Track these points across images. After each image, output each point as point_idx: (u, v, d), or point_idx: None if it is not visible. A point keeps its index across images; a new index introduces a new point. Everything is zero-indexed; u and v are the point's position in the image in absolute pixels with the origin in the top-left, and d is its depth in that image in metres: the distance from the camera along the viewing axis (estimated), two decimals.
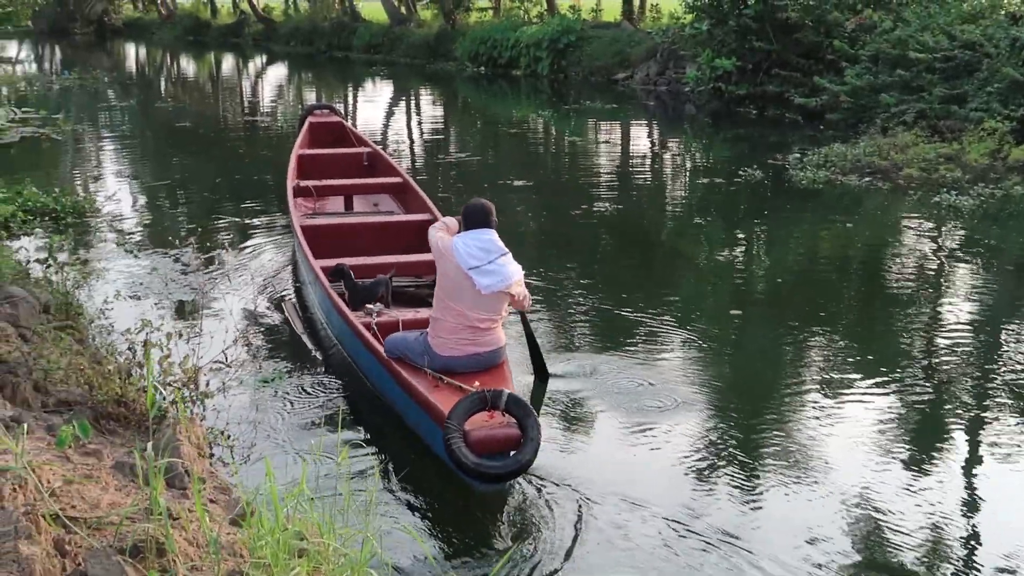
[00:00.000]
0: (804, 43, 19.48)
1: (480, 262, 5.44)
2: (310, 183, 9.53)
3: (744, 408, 6.18)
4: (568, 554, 4.46)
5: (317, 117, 11.77)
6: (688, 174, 15.22)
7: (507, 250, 5.63)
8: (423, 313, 6.16)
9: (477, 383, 5.22)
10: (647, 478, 5.22)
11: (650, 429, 5.81)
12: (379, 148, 11.31)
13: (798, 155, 14.38)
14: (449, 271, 5.52)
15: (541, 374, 6.40)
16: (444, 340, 5.52)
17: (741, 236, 10.95)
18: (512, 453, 4.82)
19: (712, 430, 5.82)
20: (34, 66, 37.42)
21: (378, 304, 6.55)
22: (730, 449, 5.58)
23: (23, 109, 19.70)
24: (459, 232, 5.74)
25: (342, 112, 12.60)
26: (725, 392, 6.44)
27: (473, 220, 5.64)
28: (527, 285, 5.88)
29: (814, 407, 6.21)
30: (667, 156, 17.26)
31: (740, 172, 13.59)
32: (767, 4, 19.55)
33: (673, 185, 14.45)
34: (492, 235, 5.60)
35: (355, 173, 10.36)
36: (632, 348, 7.14)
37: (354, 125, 13.93)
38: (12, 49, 43.12)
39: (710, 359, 7.04)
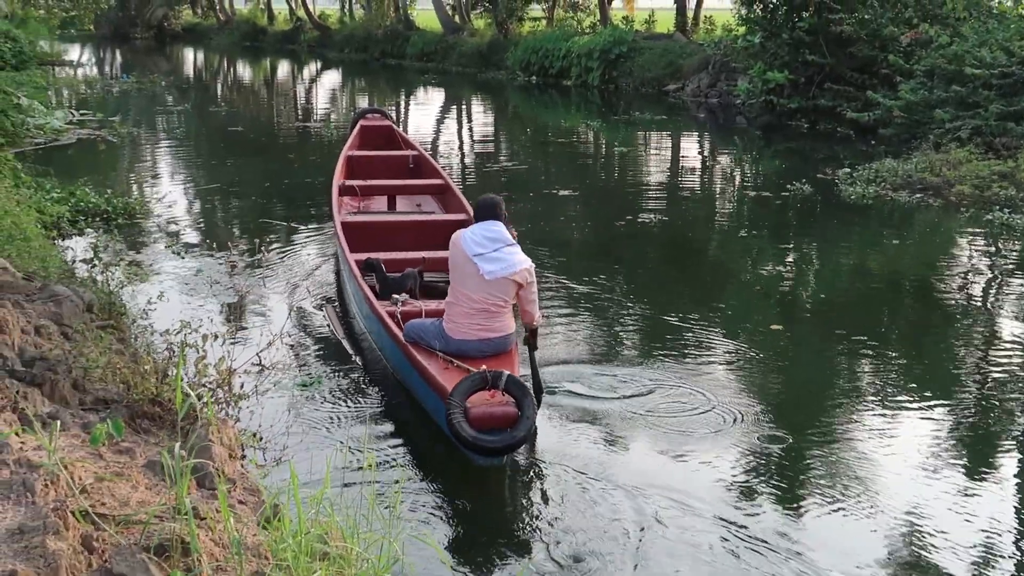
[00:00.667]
0: (858, 57, 19.28)
1: (485, 250, 5.81)
2: (356, 183, 9.92)
3: (788, 422, 6.08)
4: (614, 556, 4.45)
5: (368, 120, 12.18)
6: (737, 186, 15.11)
7: (514, 242, 5.96)
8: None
9: (484, 367, 5.49)
10: (694, 487, 5.16)
11: (695, 438, 5.77)
12: (425, 151, 11.57)
13: (848, 170, 14.22)
14: (457, 258, 5.91)
15: (538, 393, 6.13)
16: (456, 325, 5.87)
17: (788, 250, 10.83)
18: (508, 430, 5.15)
19: (756, 443, 5.74)
20: (94, 69, 38.11)
21: (404, 295, 6.86)
22: (775, 463, 5.50)
23: (81, 111, 20.06)
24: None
25: (392, 117, 13.05)
26: (769, 405, 6.34)
27: (482, 213, 6.05)
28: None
29: (861, 424, 6.11)
30: (716, 168, 17.14)
31: (789, 186, 13.47)
32: (821, 17, 19.38)
33: (721, 197, 14.35)
34: (499, 226, 5.94)
35: (400, 175, 10.70)
36: (675, 359, 7.08)
37: (405, 131, 14.04)
38: (75, 52, 43.94)
39: (754, 372, 6.97)
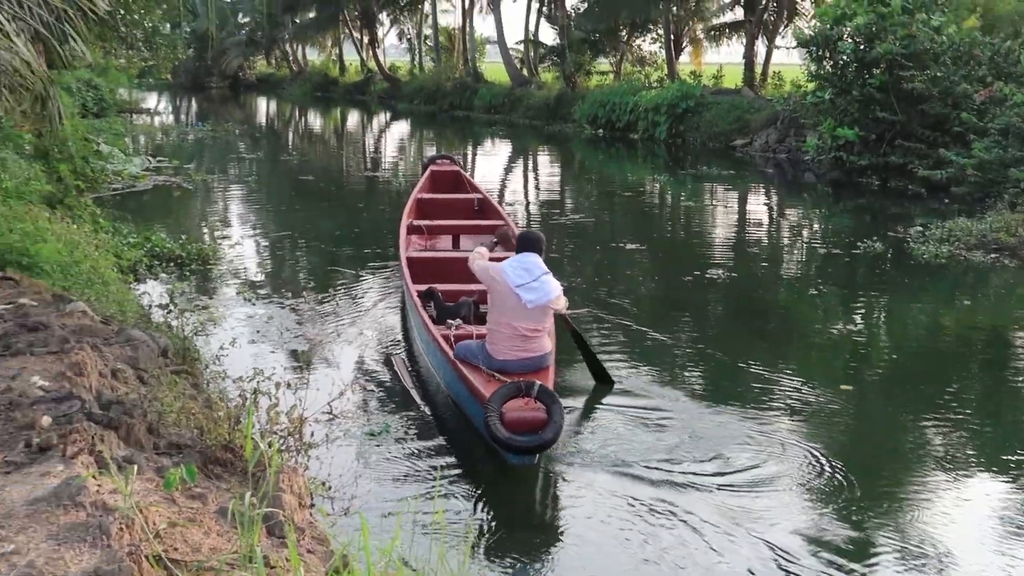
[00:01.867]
0: (930, 114, 19.05)
1: (524, 280, 6.45)
2: (423, 223, 10.62)
3: (856, 484, 5.94)
4: None
5: (438, 166, 13.03)
6: (806, 243, 14.93)
7: (548, 270, 6.66)
8: None
9: (520, 379, 6.18)
10: (760, 547, 5.07)
11: (761, 494, 5.68)
12: (490, 195, 12.14)
13: (920, 228, 14.01)
14: (499, 289, 6.53)
15: (603, 379, 7.49)
16: (497, 347, 6.50)
17: (858, 309, 10.64)
18: (538, 432, 5.82)
19: (823, 502, 5.62)
20: (171, 117, 39.10)
21: (458, 320, 7.50)
22: (840, 525, 5.37)
23: (158, 158, 20.59)
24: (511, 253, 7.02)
25: (461, 163, 13.64)
26: (837, 467, 6.21)
27: (524, 245, 6.78)
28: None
29: (931, 487, 5.95)
30: (784, 224, 16.99)
31: (860, 243, 13.29)
32: (893, 74, 19.23)
33: (790, 253, 14.19)
34: (536, 258, 6.63)
35: (465, 216, 11.33)
36: (740, 416, 6.96)
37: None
38: (152, 100, 45.17)
39: (820, 433, 6.81)
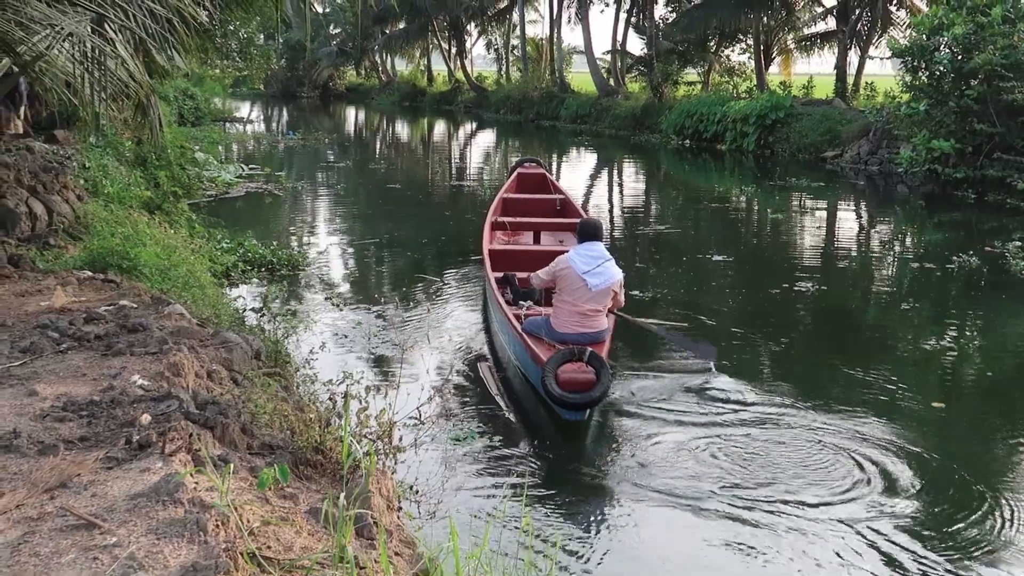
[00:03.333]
0: None
1: (590, 267, 7.30)
2: (506, 219, 11.53)
3: (948, 503, 5.80)
4: None
5: (525, 169, 14.17)
6: (898, 256, 14.59)
7: (610, 256, 7.48)
8: None
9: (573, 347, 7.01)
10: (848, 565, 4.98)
11: (846, 515, 5.56)
12: (571, 196, 12.88)
13: (1019, 243, 13.61)
14: (567, 276, 7.36)
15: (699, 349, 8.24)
16: (560, 322, 7.37)
17: (953, 325, 10.37)
18: (587, 391, 6.68)
19: (913, 523, 5.50)
20: (262, 126, 39.90)
21: (530, 302, 8.28)
22: (932, 545, 5.25)
23: (250, 166, 21.04)
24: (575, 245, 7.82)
25: (546, 166, 14.70)
26: (929, 487, 6.06)
27: (585, 234, 7.60)
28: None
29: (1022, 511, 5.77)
30: (875, 237, 16.63)
31: (955, 257, 12.97)
32: (991, 86, 18.74)
33: (880, 267, 13.87)
34: (599, 246, 7.48)
35: (548, 215, 12.10)
36: (827, 430, 6.85)
37: None
38: (245, 109, 46.14)
39: (911, 450, 6.65)
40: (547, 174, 14.08)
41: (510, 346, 8.13)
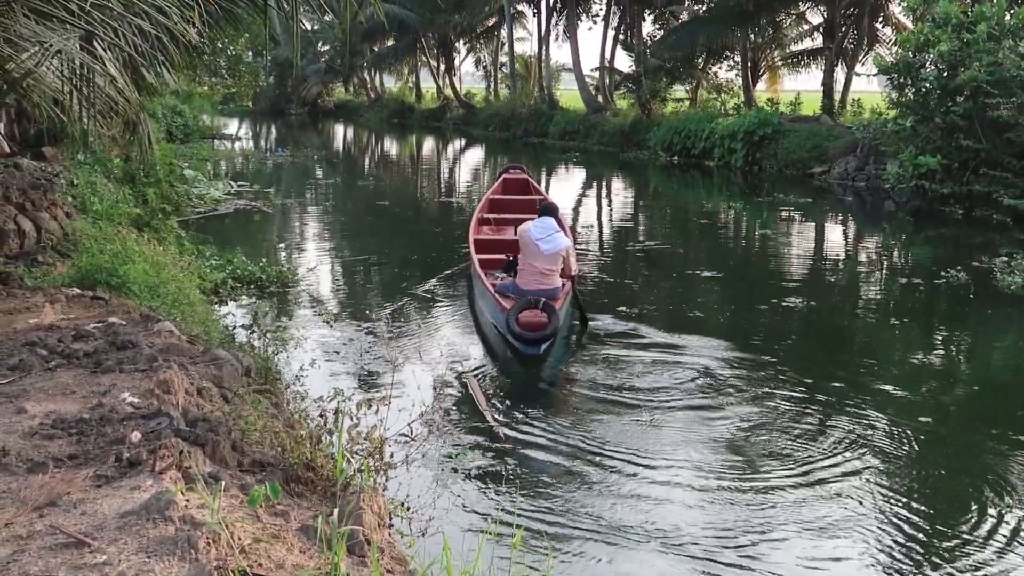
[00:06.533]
0: (1017, 143, 18.63)
1: (542, 235, 9.45)
2: (491, 215, 13.59)
3: (931, 520, 5.81)
4: None
5: (510, 174, 15.68)
6: (885, 273, 14.64)
7: (559, 229, 9.63)
8: None
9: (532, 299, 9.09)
10: None
11: (836, 534, 5.56)
12: (549, 197, 14.01)
13: (1006, 258, 13.69)
14: (527, 241, 9.51)
15: (583, 321, 10.11)
16: (523, 281, 9.47)
17: (939, 340, 10.41)
18: (541, 330, 8.75)
19: (900, 542, 5.50)
20: (251, 143, 39.87)
21: (502, 274, 10.26)
22: (914, 563, 5.25)
23: (239, 183, 21.02)
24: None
25: (529, 172, 16.25)
26: (917, 503, 6.07)
27: (543, 212, 9.88)
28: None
29: (1009, 529, 5.76)
30: (863, 253, 16.68)
31: (943, 273, 13.02)
32: (977, 102, 18.88)
33: (868, 283, 13.91)
34: (551, 220, 9.66)
35: (528, 213, 12.68)
36: (815, 446, 6.86)
37: None
38: (233, 126, 46.11)
39: (897, 466, 6.66)
40: (529, 178, 15.68)
41: (487, 309, 10.00)
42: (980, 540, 5.59)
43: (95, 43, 7.20)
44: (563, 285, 9.62)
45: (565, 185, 27.37)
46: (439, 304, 11.17)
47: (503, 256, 10.72)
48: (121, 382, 5.29)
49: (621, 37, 40.69)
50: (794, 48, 37.22)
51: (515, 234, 12.01)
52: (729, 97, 36.45)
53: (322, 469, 4.89)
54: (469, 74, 65.48)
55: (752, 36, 34.01)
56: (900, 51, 21.47)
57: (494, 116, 45.66)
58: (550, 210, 9.92)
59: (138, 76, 9.67)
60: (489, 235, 12.95)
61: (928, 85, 20.02)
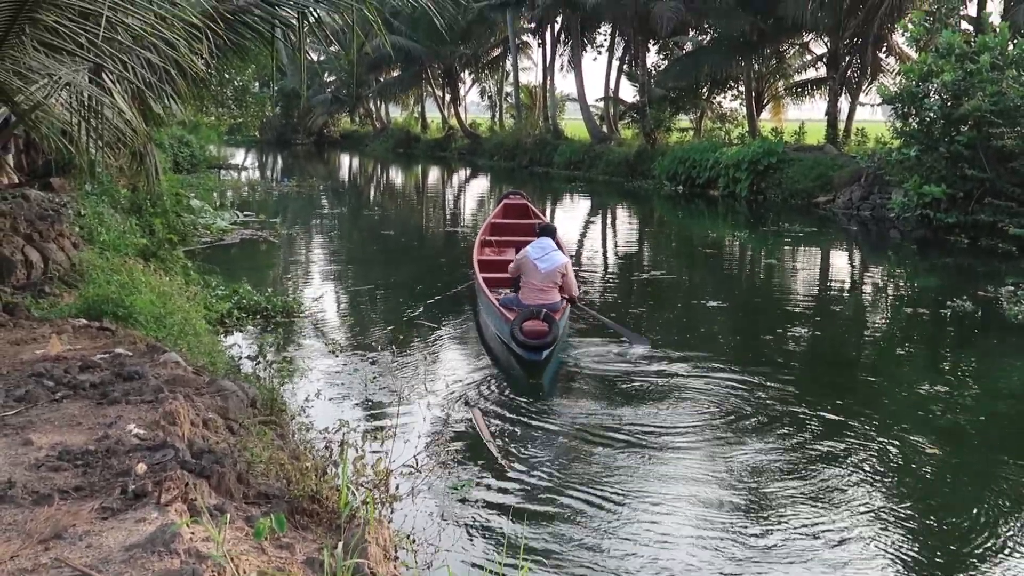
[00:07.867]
0: (1021, 172, 18.67)
1: (539, 255, 10.24)
2: (493, 238, 14.58)
3: (948, 553, 5.77)
4: None
5: (511, 199, 16.82)
6: (891, 302, 14.63)
7: (556, 248, 10.46)
8: None
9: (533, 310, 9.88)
10: None
11: (842, 556, 5.53)
12: (547, 220, 15.31)
13: (1012, 288, 13.66)
14: (525, 262, 10.30)
15: (635, 337, 10.72)
16: (525, 296, 10.15)
17: (946, 370, 10.36)
18: (543, 338, 9.48)
19: (905, 569, 5.46)
20: (257, 173, 40.02)
21: (507, 290, 10.99)
22: None
23: (245, 213, 21.09)
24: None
25: (529, 198, 17.31)
26: (928, 535, 6.04)
27: (541, 232, 10.80)
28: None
29: (1018, 562, 5.72)
30: (868, 283, 16.64)
31: (949, 302, 12.99)
32: (981, 131, 18.93)
33: (874, 312, 13.89)
34: (549, 240, 10.51)
35: (527, 235, 13.34)
36: (822, 477, 6.83)
37: None
38: (240, 156, 46.32)
39: (905, 497, 6.62)
40: (528, 204, 16.82)
41: (492, 321, 10.72)
42: (995, 572, 5.55)
43: (104, 75, 7.27)
44: (562, 300, 10.29)
45: (571, 214, 27.44)
46: (444, 332, 11.18)
47: (504, 275, 11.41)
48: (127, 413, 5.29)
49: (625, 67, 40.90)
50: (798, 78, 37.42)
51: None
52: (733, 127, 36.58)
53: (327, 501, 4.87)
54: (474, 104, 65.91)
55: (756, 66, 34.16)
56: (904, 80, 21.57)
57: (499, 146, 45.84)
58: (547, 231, 10.85)
59: (146, 107, 9.74)
60: (491, 256, 13.82)
61: (932, 114, 20.09)
